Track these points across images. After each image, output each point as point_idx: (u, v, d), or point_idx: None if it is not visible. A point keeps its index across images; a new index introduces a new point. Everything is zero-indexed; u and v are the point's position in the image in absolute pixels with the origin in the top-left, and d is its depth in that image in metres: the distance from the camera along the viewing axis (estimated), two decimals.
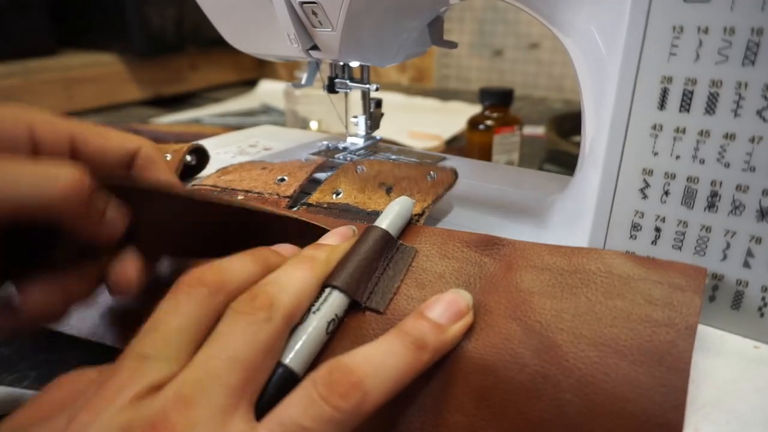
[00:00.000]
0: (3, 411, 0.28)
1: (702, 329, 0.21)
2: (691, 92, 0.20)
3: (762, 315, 0.20)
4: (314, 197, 0.31)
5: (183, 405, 0.16)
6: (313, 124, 0.72)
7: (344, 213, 0.29)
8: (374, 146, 0.43)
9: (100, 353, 0.35)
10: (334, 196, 0.31)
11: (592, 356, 0.18)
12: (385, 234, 0.24)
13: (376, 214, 0.28)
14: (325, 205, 0.30)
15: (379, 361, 0.17)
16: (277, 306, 0.18)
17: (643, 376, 0.17)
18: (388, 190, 0.30)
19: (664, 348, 0.17)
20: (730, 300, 0.21)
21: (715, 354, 0.20)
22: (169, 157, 0.35)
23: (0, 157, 0.18)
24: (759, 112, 0.19)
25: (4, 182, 0.18)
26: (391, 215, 0.25)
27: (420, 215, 0.28)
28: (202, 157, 0.38)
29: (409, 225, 0.26)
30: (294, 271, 0.20)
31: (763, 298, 0.20)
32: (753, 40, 0.18)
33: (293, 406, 0.16)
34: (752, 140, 0.19)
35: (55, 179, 0.19)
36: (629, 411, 0.16)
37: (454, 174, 0.31)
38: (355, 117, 0.43)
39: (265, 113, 0.96)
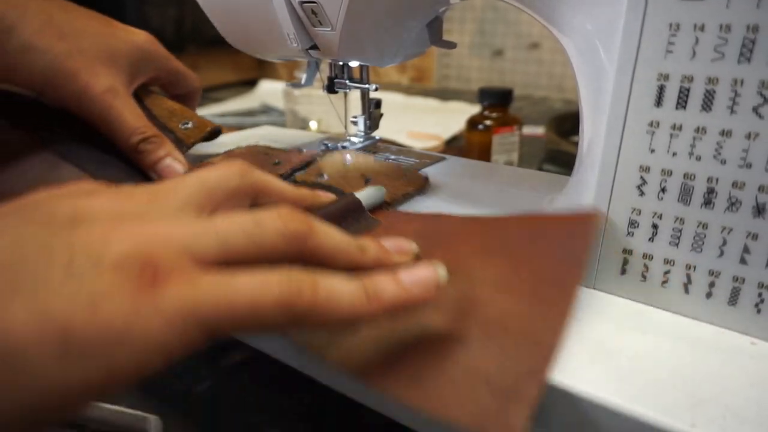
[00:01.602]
0: None
1: (699, 325, 0.22)
2: (688, 89, 0.20)
3: (758, 311, 0.20)
4: (301, 176, 0.36)
5: (147, 195, 0.19)
6: (313, 124, 0.72)
7: (325, 190, 0.33)
8: (373, 146, 0.43)
9: None
10: (319, 178, 0.35)
11: (496, 297, 0.21)
12: (356, 200, 0.29)
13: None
14: (310, 184, 0.34)
15: (331, 234, 0.20)
16: (252, 174, 0.23)
17: (526, 307, 0.20)
18: (366, 181, 0.35)
19: (555, 280, 0.21)
20: (726, 296, 0.21)
21: (711, 350, 0.20)
22: (190, 124, 0.40)
23: None
24: (755, 109, 0.19)
25: None
26: (364, 192, 0.30)
27: (389, 204, 0.32)
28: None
29: (380, 209, 0.31)
30: (277, 179, 0.24)
31: (760, 294, 0.20)
32: (748, 37, 0.18)
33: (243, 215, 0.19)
34: (748, 137, 0.19)
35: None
36: (511, 331, 0.19)
37: (426, 179, 0.36)
38: (355, 117, 0.43)
39: (265, 113, 0.96)
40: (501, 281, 0.22)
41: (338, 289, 0.18)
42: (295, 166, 0.37)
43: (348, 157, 0.38)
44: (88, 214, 0.17)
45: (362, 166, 0.37)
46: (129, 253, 0.16)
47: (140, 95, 0.38)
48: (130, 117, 0.33)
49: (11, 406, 0.14)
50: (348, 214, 0.27)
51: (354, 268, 0.21)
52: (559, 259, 0.22)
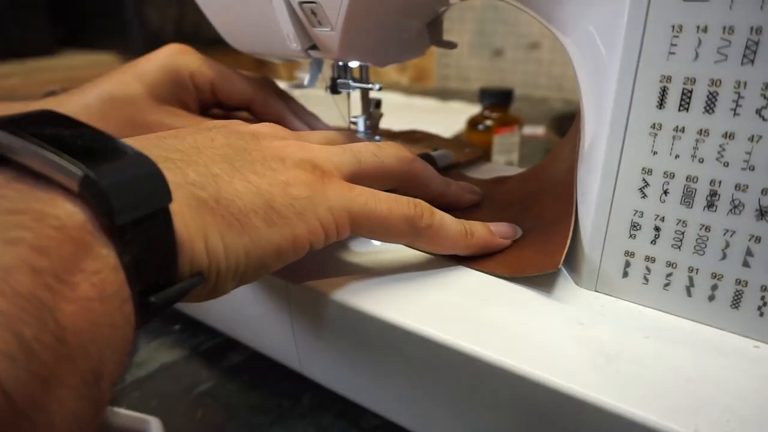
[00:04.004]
0: None
1: (702, 329, 0.21)
2: (690, 91, 0.20)
3: (762, 314, 0.20)
4: None
5: (294, 133, 0.25)
6: None
7: None
8: None
9: None
10: None
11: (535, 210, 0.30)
12: (431, 157, 0.36)
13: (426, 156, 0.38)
14: None
15: (426, 165, 0.28)
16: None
17: (554, 216, 0.27)
18: (435, 149, 0.40)
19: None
20: (729, 299, 0.21)
21: (714, 353, 0.20)
22: None
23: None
24: (758, 111, 0.19)
25: None
26: (435, 152, 0.38)
27: (455, 165, 0.40)
28: None
29: (446, 171, 0.38)
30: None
31: (763, 298, 0.20)
32: (752, 39, 0.18)
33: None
34: (751, 139, 0.19)
35: None
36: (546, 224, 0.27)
37: (483, 152, 0.44)
38: (355, 117, 0.43)
39: None
40: (535, 204, 0.30)
41: (448, 221, 0.25)
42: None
43: (416, 135, 0.47)
44: (262, 133, 0.23)
45: (432, 140, 0.45)
46: (302, 158, 0.22)
47: None
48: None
49: (253, 254, 0.19)
50: None
51: (440, 197, 0.28)
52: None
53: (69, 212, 0.14)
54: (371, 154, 0.25)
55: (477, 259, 0.26)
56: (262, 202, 0.19)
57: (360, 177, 0.24)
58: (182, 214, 0.17)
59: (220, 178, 0.19)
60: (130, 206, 0.15)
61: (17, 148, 0.14)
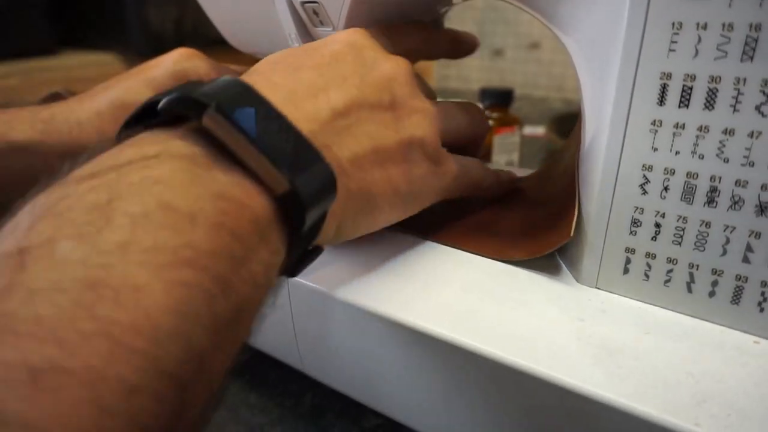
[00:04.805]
0: None
1: (702, 324, 0.22)
2: (690, 88, 0.20)
3: (762, 310, 0.20)
4: None
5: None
6: None
7: None
8: None
9: None
10: None
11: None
12: None
13: None
14: None
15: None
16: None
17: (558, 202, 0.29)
18: None
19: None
20: (729, 295, 0.21)
21: (715, 349, 0.20)
22: None
23: None
24: (758, 108, 0.19)
25: None
26: None
27: None
28: None
29: None
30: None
31: (763, 293, 0.20)
32: (751, 36, 0.18)
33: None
34: (751, 135, 0.19)
35: None
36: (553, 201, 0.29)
37: (485, 151, 0.47)
38: None
39: None
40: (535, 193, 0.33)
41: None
42: None
43: None
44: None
45: None
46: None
47: None
48: None
49: (366, 231, 0.24)
50: None
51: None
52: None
53: (263, 207, 0.16)
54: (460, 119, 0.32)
55: (493, 246, 0.27)
56: (391, 191, 0.23)
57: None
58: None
59: (364, 168, 0.21)
60: (314, 214, 0.17)
61: (230, 139, 0.15)
